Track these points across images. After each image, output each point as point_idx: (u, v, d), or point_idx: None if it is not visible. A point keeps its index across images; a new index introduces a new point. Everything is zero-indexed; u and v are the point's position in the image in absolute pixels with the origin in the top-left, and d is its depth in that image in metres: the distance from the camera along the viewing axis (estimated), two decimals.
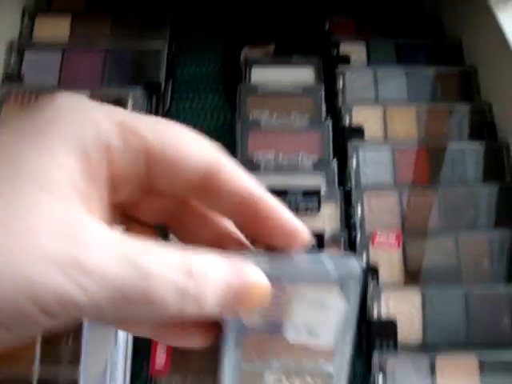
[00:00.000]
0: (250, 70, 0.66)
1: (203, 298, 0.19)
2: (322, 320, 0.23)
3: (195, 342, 0.23)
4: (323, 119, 0.62)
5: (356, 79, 0.67)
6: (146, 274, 0.17)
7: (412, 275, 0.53)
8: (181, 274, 0.18)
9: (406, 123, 0.64)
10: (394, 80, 0.67)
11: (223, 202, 0.21)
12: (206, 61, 0.73)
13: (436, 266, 0.53)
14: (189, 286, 0.18)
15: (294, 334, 0.23)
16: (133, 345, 0.49)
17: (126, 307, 0.17)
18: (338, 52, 0.70)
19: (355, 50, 0.71)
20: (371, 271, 0.52)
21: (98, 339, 0.45)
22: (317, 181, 0.54)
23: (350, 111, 0.63)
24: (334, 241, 0.49)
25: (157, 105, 0.64)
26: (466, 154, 0.61)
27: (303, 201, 0.50)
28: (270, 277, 0.21)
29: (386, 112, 0.64)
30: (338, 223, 0.52)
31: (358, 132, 0.61)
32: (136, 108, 0.59)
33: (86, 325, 0.45)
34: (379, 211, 0.55)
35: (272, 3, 0.78)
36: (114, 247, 0.17)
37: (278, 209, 0.21)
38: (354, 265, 0.23)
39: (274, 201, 0.21)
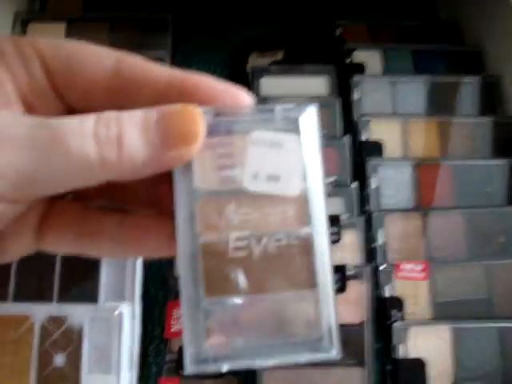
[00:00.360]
0: (259, 80, 0.61)
1: (121, 138, 0.19)
2: (281, 160, 0.21)
3: (159, 247, 0.22)
4: (339, 135, 0.57)
5: (372, 90, 0.63)
6: (54, 128, 0.18)
7: (440, 308, 0.48)
8: (91, 121, 0.19)
9: (427, 138, 0.59)
10: (413, 90, 0.63)
11: (147, 96, 0.21)
12: (210, 70, 0.68)
13: (466, 297, 0.49)
14: (101, 129, 0.19)
15: (252, 181, 0.21)
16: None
17: (45, 168, 0.18)
18: (351, 60, 0.66)
19: (370, 58, 0.67)
20: (396, 304, 0.47)
21: None
22: (335, 205, 0.50)
23: (367, 125, 0.59)
24: (357, 274, 0.45)
25: None
26: (492, 172, 0.57)
27: None
28: (215, 125, 0.21)
29: (406, 125, 0.59)
30: (360, 253, 0.47)
31: (377, 148, 0.57)
32: None
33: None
34: (402, 237, 0.51)
35: (280, 7, 0.73)
36: (27, 122, 0.19)
37: (205, 79, 0.21)
38: (307, 104, 0.22)
39: (196, 75, 0.21)
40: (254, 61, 0.67)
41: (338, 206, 0.50)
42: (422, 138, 0.59)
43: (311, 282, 0.21)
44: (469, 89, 0.64)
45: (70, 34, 0.63)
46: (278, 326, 0.21)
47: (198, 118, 0.20)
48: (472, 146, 0.59)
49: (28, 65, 0.21)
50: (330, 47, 0.68)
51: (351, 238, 0.48)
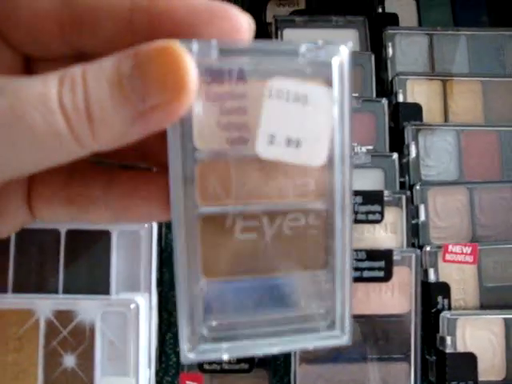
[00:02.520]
0: (282, 32, 0.54)
1: (89, 105, 0.15)
2: (306, 119, 0.17)
3: (151, 212, 0.19)
4: (375, 96, 0.51)
5: (407, 44, 0.56)
6: (13, 97, 0.15)
7: (490, 295, 0.43)
8: (55, 85, 0.15)
9: (470, 100, 0.53)
10: (453, 45, 0.56)
11: (108, 29, 0.17)
12: None
13: None
14: (66, 96, 0.15)
15: (267, 146, 0.17)
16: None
17: (6, 149, 0.15)
18: (383, 9, 0.59)
19: (403, 8, 0.59)
20: (442, 290, 0.42)
21: None
22: (373, 178, 0.44)
23: (403, 85, 0.52)
24: (403, 258, 0.40)
25: None
26: None
27: (363, 208, 0.40)
28: (221, 68, 0.16)
29: (446, 86, 0.53)
30: (404, 233, 0.42)
31: (416, 111, 0.51)
32: None
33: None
34: (446, 214, 0.46)
35: None
36: None
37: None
38: (338, 45, 0.17)
39: None
40: (273, 10, 0.59)
41: (377, 180, 0.44)
42: (464, 100, 0.53)
43: (326, 263, 0.18)
44: None
45: None
46: (286, 309, 0.18)
47: (184, 60, 0.15)
48: None
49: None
50: None
51: (394, 217, 0.42)
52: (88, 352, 0.36)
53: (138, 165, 0.22)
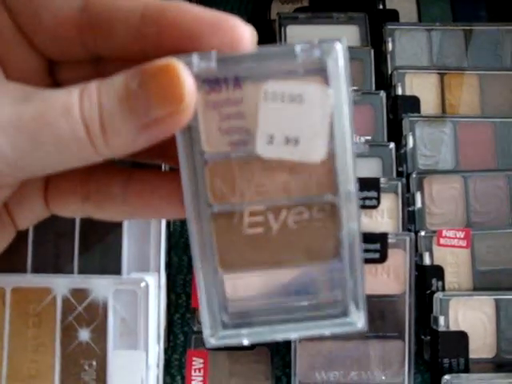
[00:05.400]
0: (285, 29, 0.56)
1: (103, 115, 0.17)
2: (302, 118, 0.18)
3: (170, 209, 0.20)
4: (374, 89, 0.53)
5: (407, 39, 0.58)
6: (40, 105, 0.17)
7: (481, 277, 0.45)
8: (76, 96, 0.17)
9: (468, 93, 0.55)
10: (452, 40, 0.58)
11: (121, 35, 0.18)
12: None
13: (508, 265, 0.46)
14: (86, 107, 0.17)
15: (266, 146, 0.18)
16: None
17: (33, 152, 0.17)
18: (384, 6, 0.61)
19: (403, 4, 0.61)
20: (436, 273, 0.44)
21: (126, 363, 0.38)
22: (371, 167, 0.46)
23: (402, 78, 0.54)
24: (398, 241, 0.42)
25: None
26: None
27: (360, 194, 0.42)
28: (219, 76, 0.17)
29: (444, 79, 0.55)
30: (400, 219, 0.44)
31: (414, 103, 0.53)
32: None
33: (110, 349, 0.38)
34: (442, 201, 0.48)
35: None
36: (9, 94, 0.17)
37: (187, 9, 0.18)
38: (334, 41, 0.18)
39: (177, 4, 0.18)
40: (278, 7, 0.62)
41: (375, 168, 0.46)
42: (461, 93, 0.55)
43: (336, 253, 0.19)
44: None
45: None
46: (301, 298, 0.20)
47: (182, 77, 0.16)
48: None
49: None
50: None
51: (391, 203, 0.44)
52: (101, 327, 0.39)
53: (156, 163, 0.23)
